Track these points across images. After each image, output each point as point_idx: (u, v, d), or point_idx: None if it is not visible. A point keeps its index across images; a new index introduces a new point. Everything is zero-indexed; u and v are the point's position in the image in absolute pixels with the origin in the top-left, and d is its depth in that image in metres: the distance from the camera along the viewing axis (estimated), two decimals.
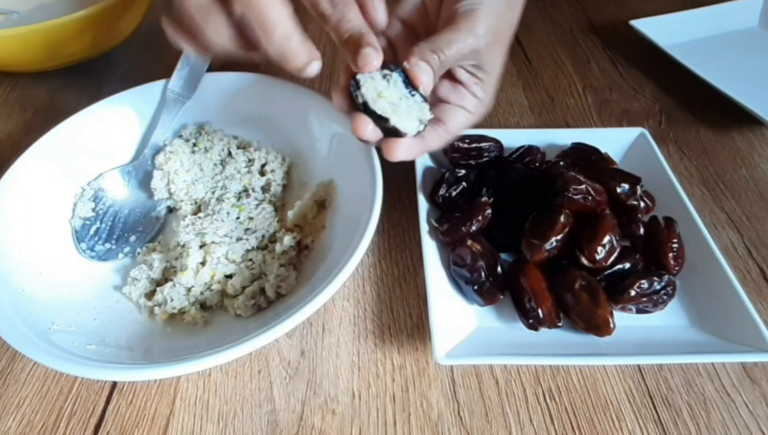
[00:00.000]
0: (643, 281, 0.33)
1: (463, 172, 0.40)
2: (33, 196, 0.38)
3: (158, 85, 0.44)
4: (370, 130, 0.30)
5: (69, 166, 0.40)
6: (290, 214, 0.39)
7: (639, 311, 0.34)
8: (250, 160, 0.43)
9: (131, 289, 0.36)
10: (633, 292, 0.33)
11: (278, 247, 0.37)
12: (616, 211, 0.35)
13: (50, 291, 0.34)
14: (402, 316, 0.36)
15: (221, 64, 0.43)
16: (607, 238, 0.33)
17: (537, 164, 0.41)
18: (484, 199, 0.37)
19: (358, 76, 0.30)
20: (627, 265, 0.34)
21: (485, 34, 0.31)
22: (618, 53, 0.59)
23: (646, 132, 0.43)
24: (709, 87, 0.49)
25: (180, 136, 0.44)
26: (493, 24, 0.31)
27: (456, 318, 0.34)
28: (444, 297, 0.34)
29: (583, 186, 0.35)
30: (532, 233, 0.35)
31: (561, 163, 0.39)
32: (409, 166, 0.41)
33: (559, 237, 0.34)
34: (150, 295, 0.36)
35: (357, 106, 0.30)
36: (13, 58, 0.49)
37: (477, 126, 0.42)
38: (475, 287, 0.34)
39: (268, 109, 0.44)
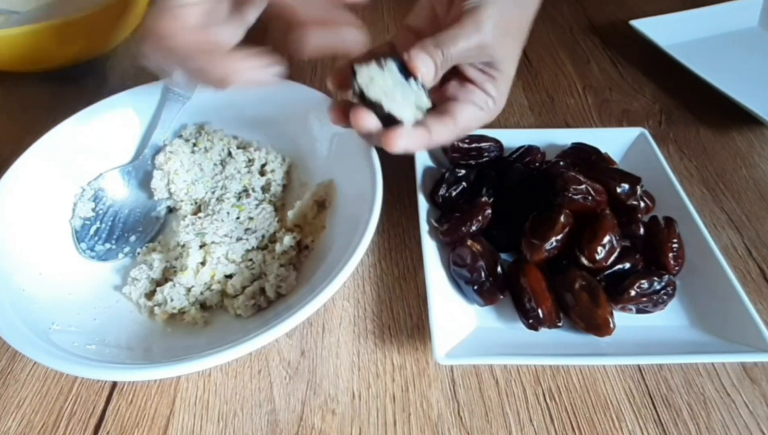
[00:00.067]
0: (643, 281, 0.33)
1: (463, 172, 0.40)
2: (33, 196, 0.38)
3: (158, 85, 0.44)
4: (367, 120, 0.30)
5: (69, 166, 0.40)
6: (290, 214, 0.39)
7: (639, 311, 0.34)
8: (250, 160, 0.43)
9: (131, 289, 0.36)
10: (633, 292, 0.33)
11: (278, 247, 0.37)
12: (616, 211, 0.35)
13: (50, 291, 0.34)
14: (402, 316, 0.36)
15: None
16: (607, 238, 0.33)
17: (537, 164, 0.41)
18: (484, 199, 0.37)
19: (355, 66, 0.30)
20: (627, 265, 0.34)
21: (491, 30, 0.31)
22: (618, 53, 0.59)
23: (646, 132, 0.43)
24: (709, 87, 0.49)
25: (180, 136, 0.44)
26: (500, 20, 0.31)
27: (456, 318, 0.34)
28: (444, 297, 0.34)
29: (583, 186, 0.35)
30: (532, 233, 0.35)
31: (561, 163, 0.39)
32: (409, 166, 0.41)
33: (559, 237, 0.34)
34: (150, 295, 0.36)
35: (355, 97, 0.30)
36: (13, 58, 0.49)
37: None
38: (475, 287, 0.34)
39: (268, 109, 0.44)
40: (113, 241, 0.39)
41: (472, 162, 0.41)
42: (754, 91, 0.49)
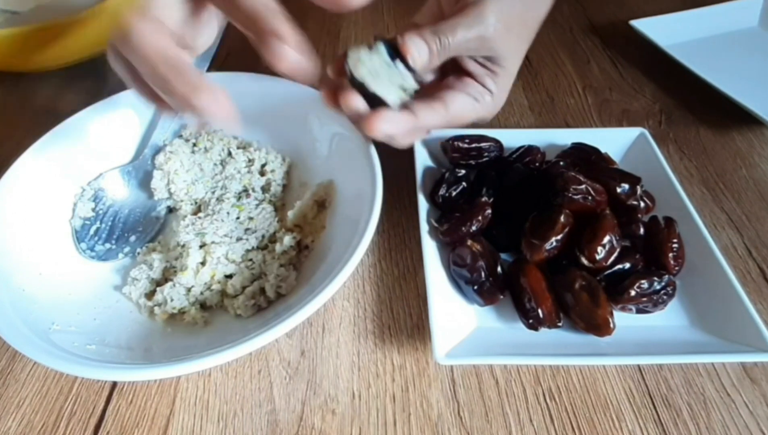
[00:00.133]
0: (643, 281, 0.33)
1: (463, 172, 0.40)
2: (33, 196, 0.38)
3: None
4: (352, 100, 0.30)
5: (69, 166, 0.40)
6: (290, 214, 0.39)
7: (639, 311, 0.34)
8: (250, 160, 0.43)
9: (131, 289, 0.36)
10: (633, 292, 0.33)
11: (278, 247, 0.37)
12: (616, 211, 0.35)
13: (50, 291, 0.34)
14: (402, 316, 0.36)
15: (221, 64, 0.42)
16: (607, 238, 0.33)
17: (537, 164, 0.41)
18: (484, 199, 0.37)
19: (348, 49, 0.30)
20: (627, 265, 0.34)
21: (493, 23, 0.31)
22: (618, 53, 0.59)
23: (646, 132, 0.43)
24: (709, 87, 0.49)
25: (180, 136, 0.44)
26: (504, 14, 0.31)
27: (456, 318, 0.34)
28: (444, 297, 0.34)
29: (583, 186, 0.35)
30: (532, 233, 0.35)
31: (561, 163, 0.39)
32: (409, 166, 0.41)
33: (559, 237, 0.34)
34: (150, 295, 0.36)
35: (347, 80, 0.30)
36: (13, 58, 0.49)
37: (477, 126, 0.42)
38: (475, 287, 0.34)
39: (268, 109, 0.44)
40: (113, 241, 0.39)
41: (472, 162, 0.41)
42: (754, 91, 0.49)
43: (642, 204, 0.38)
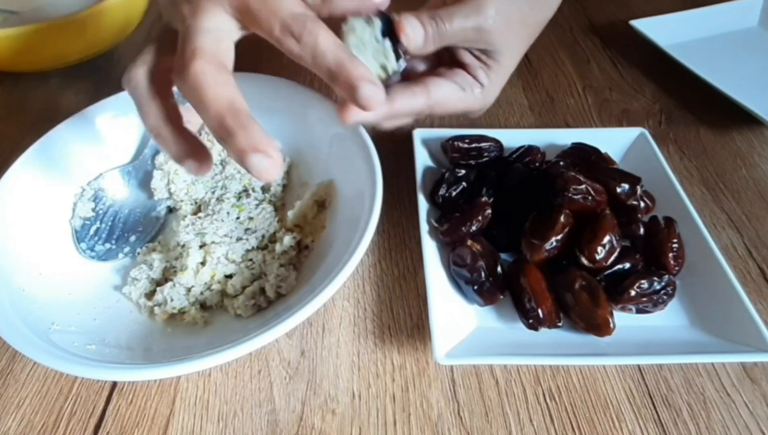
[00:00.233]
0: (643, 281, 0.33)
1: (463, 172, 0.40)
2: (33, 196, 0.38)
3: None
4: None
5: (69, 166, 0.40)
6: (290, 214, 0.39)
7: (639, 311, 0.34)
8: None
9: (131, 289, 0.36)
10: (633, 292, 0.33)
11: (278, 247, 0.37)
12: (616, 211, 0.35)
13: (50, 291, 0.34)
14: (402, 316, 0.36)
15: None
16: (607, 238, 0.33)
17: (537, 164, 0.41)
18: (484, 199, 0.37)
19: (349, 16, 0.30)
20: (627, 265, 0.34)
21: (492, 15, 0.30)
22: (618, 53, 0.59)
23: (646, 132, 0.43)
24: (709, 87, 0.49)
25: None
26: (505, 9, 0.31)
27: (456, 318, 0.34)
28: (444, 297, 0.34)
29: (583, 186, 0.35)
30: (532, 233, 0.35)
31: (561, 163, 0.39)
32: (409, 166, 0.41)
33: (559, 237, 0.34)
34: (150, 295, 0.36)
35: None
36: (13, 58, 0.49)
37: (477, 126, 0.42)
38: (475, 287, 0.34)
39: (268, 109, 0.44)
40: (113, 241, 0.39)
41: (472, 162, 0.41)
42: (754, 91, 0.49)
43: (642, 204, 0.38)
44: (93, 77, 0.55)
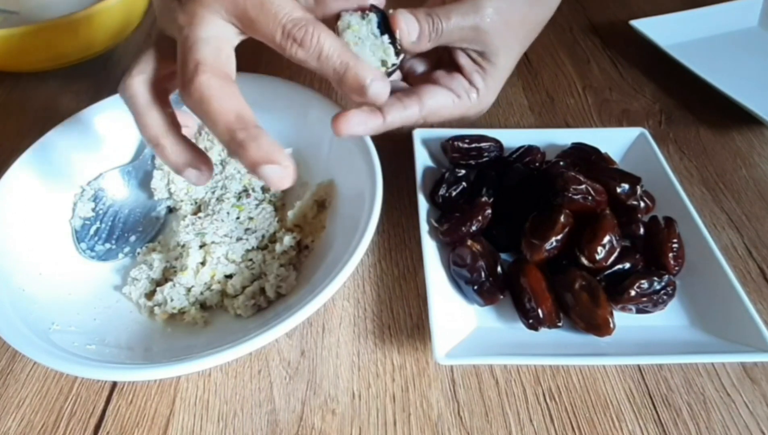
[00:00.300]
0: (643, 281, 0.33)
1: (463, 172, 0.40)
2: (33, 195, 0.38)
3: None
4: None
5: (69, 166, 0.40)
6: (290, 214, 0.39)
7: (639, 311, 0.34)
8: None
9: (131, 289, 0.36)
10: (633, 292, 0.33)
11: (278, 247, 0.37)
12: (616, 211, 0.35)
13: (50, 291, 0.34)
14: (402, 316, 0.36)
15: None
16: (607, 238, 0.33)
17: (537, 164, 0.41)
18: (484, 199, 0.37)
19: (342, 11, 0.30)
20: (627, 265, 0.34)
21: (490, 15, 0.30)
22: (618, 53, 0.59)
23: (646, 132, 0.43)
24: (709, 87, 0.49)
25: None
26: (504, 9, 0.30)
27: (456, 318, 0.34)
28: (444, 297, 0.34)
29: (583, 186, 0.35)
30: (532, 233, 0.35)
31: (561, 163, 0.39)
32: (409, 166, 0.41)
33: (559, 237, 0.34)
34: (150, 295, 0.36)
35: None
36: (13, 58, 0.49)
37: (477, 126, 0.42)
38: (475, 287, 0.34)
39: (268, 109, 0.44)
40: (113, 241, 0.39)
41: (472, 162, 0.41)
42: (754, 91, 0.49)
43: (642, 204, 0.38)
44: (93, 77, 0.55)
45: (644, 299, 0.33)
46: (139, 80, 0.29)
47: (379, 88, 0.27)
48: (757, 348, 0.30)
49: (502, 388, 0.32)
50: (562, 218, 0.34)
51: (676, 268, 0.35)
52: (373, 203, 0.34)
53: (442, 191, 0.39)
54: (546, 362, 0.33)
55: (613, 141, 0.43)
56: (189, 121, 0.33)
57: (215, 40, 0.27)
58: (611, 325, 0.31)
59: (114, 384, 0.33)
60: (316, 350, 0.34)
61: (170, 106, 0.31)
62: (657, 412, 0.31)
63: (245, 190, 0.42)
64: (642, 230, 0.36)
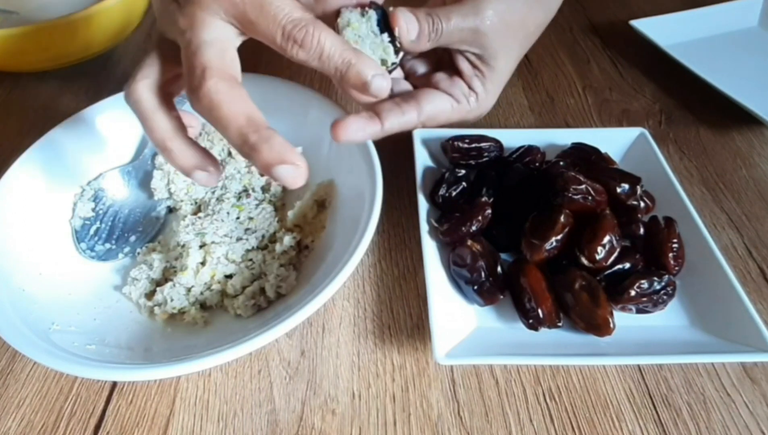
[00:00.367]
0: (643, 281, 0.33)
1: (463, 172, 0.40)
2: (33, 195, 0.38)
3: None
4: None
5: (69, 166, 0.40)
6: (290, 214, 0.39)
7: (639, 311, 0.34)
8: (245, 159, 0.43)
9: (131, 289, 0.36)
10: (633, 292, 0.33)
11: (278, 247, 0.37)
12: (616, 211, 0.35)
13: (50, 291, 0.34)
14: (402, 316, 0.36)
15: None
16: (607, 238, 0.33)
17: (537, 164, 0.41)
18: (484, 199, 0.37)
19: (342, 8, 0.30)
20: (627, 265, 0.34)
21: (490, 17, 0.30)
22: (618, 53, 0.59)
23: (646, 132, 0.43)
24: (709, 87, 0.49)
25: None
26: (504, 12, 0.30)
27: (456, 318, 0.34)
28: (444, 297, 0.34)
29: (583, 186, 0.35)
30: (532, 233, 0.35)
31: (561, 163, 0.39)
32: (409, 166, 0.41)
33: (559, 237, 0.34)
34: (150, 295, 0.36)
35: None
36: (13, 58, 0.49)
37: (477, 126, 0.42)
38: (475, 287, 0.34)
39: (268, 109, 0.44)
40: (113, 241, 0.39)
41: (472, 162, 0.41)
42: (754, 91, 0.49)
43: (642, 204, 0.38)
44: (93, 77, 0.55)
45: (644, 299, 0.33)
46: (144, 85, 0.29)
47: (380, 83, 0.27)
48: (757, 348, 0.30)
49: (502, 388, 0.32)
50: (562, 218, 0.34)
51: (676, 268, 0.35)
52: (373, 203, 0.34)
53: (442, 191, 0.39)
54: (546, 362, 0.33)
55: (613, 141, 0.43)
56: (193, 121, 0.33)
57: (218, 42, 0.27)
58: (611, 325, 0.31)
59: (114, 384, 0.33)
60: (316, 350, 0.34)
61: (175, 109, 0.31)
62: (657, 412, 0.31)
63: (245, 190, 0.42)
64: (642, 230, 0.36)
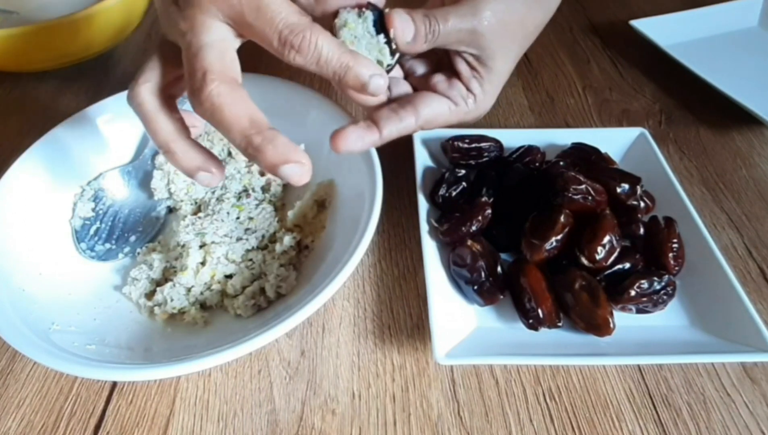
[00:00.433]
0: (643, 281, 0.33)
1: (463, 172, 0.40)
2: (33, 195, 0.38)
3: None
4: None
5: (69, 166, 0.40)
6: (290, 214, 0.39)
7: (639, 311, 0.34)
8: (250, 160, 0.43)
9: (131, 289, 0.36)
10: (633, 292, 0.33)
11: (278, 247, 0.37)
12: (616, 211, 0.35)
13: (50, 291, 0.34)
14: (402, 316, 0.36)
15: None
16: (607, 238, 0.33)
17: (537, 164, 0.41)
18: (484, 199, 0.37)
19: (340, 9, 0.30)
20: (627, 265, 0.34)
21: (488, 18, 0.30)
22: (618, 53, 0.59)
23: (646, 132, 0.43)
24: (709, 87, 0.49)
25: None
26: (502, 12, 0.30)
27: (456, 318, 0.34)
28: (444, 297, 0.34)
29: (583, 186, 0.35)
30: (532, 233, 0.35)
31: (561, 163, 0.39)
32: (409, 166, 0.41)
33: (559, 237, 0.34)
34: (150, 295, 0.36)
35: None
36: (13, 58, 0.49)
37: (477, 126, 0.42)
38: (475, 287, 0.34)
39: (268, 109, 0.44)
40: (113, 241, 0.39)
41: (472, 162, 0.41)
42: (754, 91, 0.49)
43: (642, 204, 0.38)
44: (93, 77, 0.55)
45: (644, 299, 0.33)
46: (146, 88, 0.30)
47: (378, 82, 0.28)
48: (757, 348, 0.31)
49: (502, 388, 0.32)
50: (562, 218, 0.34)
51: (676, 268, 0.35)
52: (373, 203, 0.34)
53: (442, 191, 0.39)
54: (546, 362, 0.33)
55: (613, 141, 0.43)
56: (196, 121, 0.33)
57: (218, 44, 0.27)
58: (611, 325, 0.31)
59: (114, 384, 0.33)
60: (316, 350, 0.34)
61: (177, 111, 0.31)
62: (657, 412, 0.31)
63: (245, 190, 0.42)
64: (642, 230, 0.36)
